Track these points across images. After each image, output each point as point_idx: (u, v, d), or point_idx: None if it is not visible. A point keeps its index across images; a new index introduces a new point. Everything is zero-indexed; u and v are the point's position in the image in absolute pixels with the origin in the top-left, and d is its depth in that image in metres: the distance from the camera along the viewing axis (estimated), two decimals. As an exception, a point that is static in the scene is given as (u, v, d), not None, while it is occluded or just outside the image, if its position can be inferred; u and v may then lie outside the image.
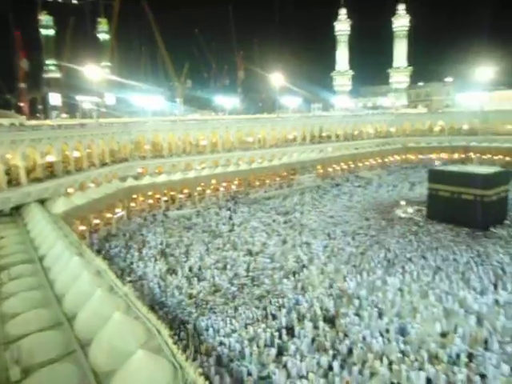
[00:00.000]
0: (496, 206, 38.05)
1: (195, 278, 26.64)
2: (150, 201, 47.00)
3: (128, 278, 26.38)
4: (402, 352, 17.89)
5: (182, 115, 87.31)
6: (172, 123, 62.82)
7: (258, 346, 18.67)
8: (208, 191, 52.49)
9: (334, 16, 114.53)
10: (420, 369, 16.66)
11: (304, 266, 28.01)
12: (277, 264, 28.70)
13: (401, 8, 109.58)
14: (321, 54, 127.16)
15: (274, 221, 40.67)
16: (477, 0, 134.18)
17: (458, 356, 17.48)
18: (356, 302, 22.70)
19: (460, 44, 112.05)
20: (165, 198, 48.10)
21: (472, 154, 72.77)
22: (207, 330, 20.19)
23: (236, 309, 22.27)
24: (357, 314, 21.22)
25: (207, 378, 14.20)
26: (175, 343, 13.96)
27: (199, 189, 51.99)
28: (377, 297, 23.25)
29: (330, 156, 69.11)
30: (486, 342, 18.44)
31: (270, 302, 23.01)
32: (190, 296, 24.17)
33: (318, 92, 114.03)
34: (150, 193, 46.91)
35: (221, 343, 18.82)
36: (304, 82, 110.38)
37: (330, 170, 66.90)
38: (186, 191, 51.01)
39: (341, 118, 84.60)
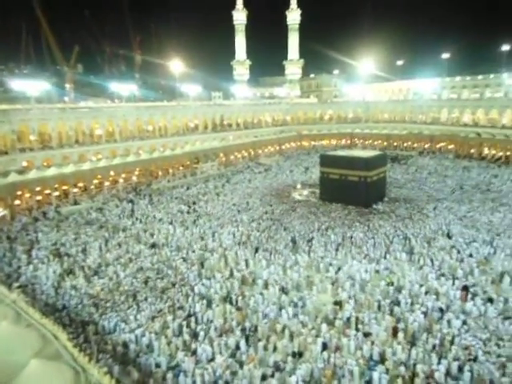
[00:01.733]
0: (377, 186, 43.21)
1: (95, 277, 25.26)
2: (39, 197, 42.54)
3: (16, 284, 23.87)
4: (302, 323, 19.63)
5: (73, 102, 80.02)
6: (61, 111, 57.19)
7: (166, 337, 18.67)
8: (106, 183, 49.45)
9: (233, 4, 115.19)
10: (317, 336, 18.48)
11: (210, 254, 28.43)
12: (183, 254, 28.63)
13: (293, 2, 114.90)
14: (221, 42, 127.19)
15: (178, 211, 40.24)
16: (356, 5, 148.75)
17: (348, 320, 19.79)
18: (260, 282, 24.00)
19: (345, 39, 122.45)
20: (56, 193, 43.98)
21: (356, 140, 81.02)
22: (112, 328, 19.47)
23: (141, 303, 21.80)
24: (261, 293, 22.49)
25: (113, 376, 13.87)
26: (76, 346, 13.31)
27: (96, 181, 48.68)
28: (278, 275, 24.90)
29: (231, 144, 70.43)
30: (376, 306, 21.14)
31: (178, 291, 23.04)
32: (91, 295, 22.89)
33: (219, 80, 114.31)
34: (38, 188, 42.38)
35: (126, 340, 18.34)
36: (204, 70, 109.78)
37: (232, 157, 68.23)
38: (80, 185, 47.31)
39: (241, 106, 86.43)
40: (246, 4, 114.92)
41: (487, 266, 25.44)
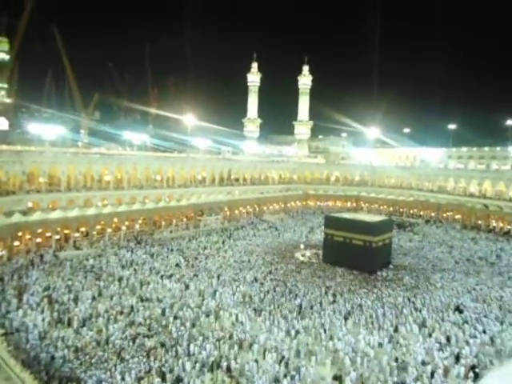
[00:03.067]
0: (382, 252, 42.27)
1: (84, 328, 24.05)
2: (39, 239, 42.10)
3: (1, 331, 22.79)
4: (298, 398, 18.14)
5: (86, 147, 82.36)
6: (73, 155, 58.70)
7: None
8: (109, 230, 49.08)
9: (248, 67, 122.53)
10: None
11: (205, 314, 27.18)
12: (177, 312, 27.34)
13: (305, 69, 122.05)
14: (234, 100, 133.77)
15: (177, 265, 39.13)
16: (365, 73, 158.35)
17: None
18: (256, 347, 22.60)
19: (354, 105, 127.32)
20: (57, 237, 43.55)
21: (362, 203, 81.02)
22: (94, 387, 18.12)
23: (128, 361, 20.45)
24: (256, 361, 21.06)
25: None
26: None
27: (98, 227, 48.38)
28: (277, 342, 23.50)
29: (236, 199, 70.67)
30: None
31: (168, 352, 21.70)
32: (77, 348, 21.60)
33: (229, 135, 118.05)
34: (39, 230, 42.09)
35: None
36: (216, 124, 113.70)
37: (237, 212, 68.17)
38: (82, 229, 47.01)
39: (249, 162, 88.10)
40: (260, 66, 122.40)
41: (492, 348, 23.94)
